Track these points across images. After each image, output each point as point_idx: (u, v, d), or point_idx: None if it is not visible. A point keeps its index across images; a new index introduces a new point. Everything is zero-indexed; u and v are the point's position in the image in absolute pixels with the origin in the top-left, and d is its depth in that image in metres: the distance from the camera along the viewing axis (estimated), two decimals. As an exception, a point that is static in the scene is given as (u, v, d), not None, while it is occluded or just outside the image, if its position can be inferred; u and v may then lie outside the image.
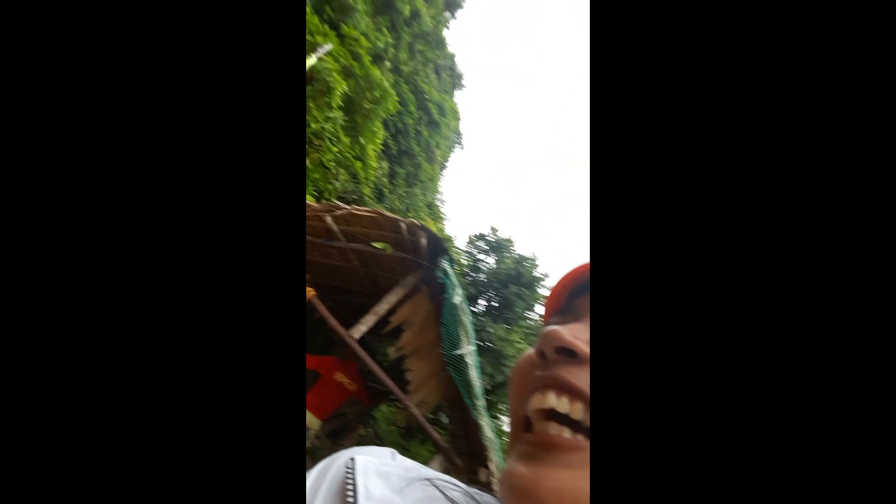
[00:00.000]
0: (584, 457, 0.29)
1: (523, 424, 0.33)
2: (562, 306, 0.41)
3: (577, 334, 0.33)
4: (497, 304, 7.59)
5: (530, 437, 0.32)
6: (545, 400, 0.32)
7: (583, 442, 0.30)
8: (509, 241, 8.25)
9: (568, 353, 0.33)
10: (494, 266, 7.96)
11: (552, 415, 0.32)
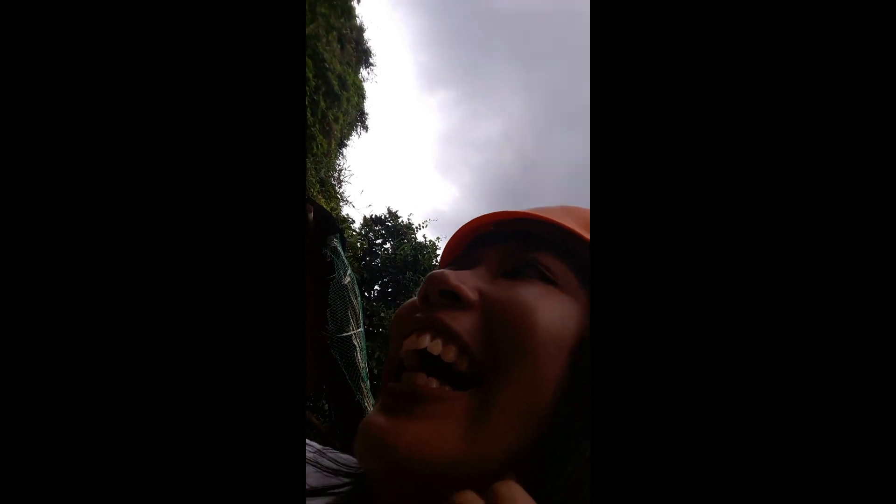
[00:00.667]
0: (451, 408, 0.28)
1: (394, 374, 0.32)
2: (459, 255, 0.40)
3: (465, 279, 0.32)
4: (392, 290, 7.55)
5: (394, 387, 0.30)
6: (419, 341, 0.31)
7: (450, 392, 0.29)
8: (409, 227, 8.23)
9: (452, 297, 0.31)
10: (391, 252, 7.88)
11: (423, 361, 0.31)
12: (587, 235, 0.35)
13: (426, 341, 0.31)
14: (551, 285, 0.34)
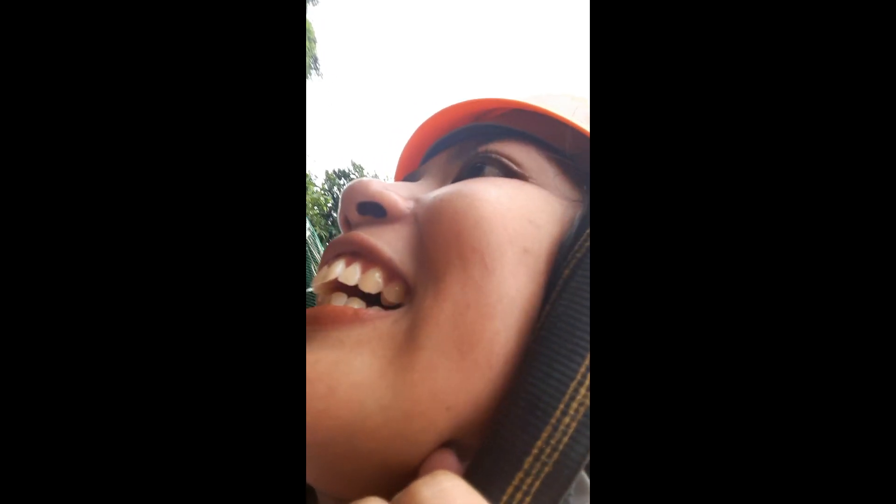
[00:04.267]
0: (369, 333, 0.20)
1: None
2: (413, 171, 0.30)
3: (396, 188, 0.24)
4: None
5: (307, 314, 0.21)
6: (329, 272, 0.23)
7: (375, 312, 0.20)
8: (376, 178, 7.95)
9: (374, 211, 0.24)
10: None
11: (339, 288, 0.23)
12: (574, 120, 0.25)
13: (337, 270, 0.22)
14: (519, 179, 0.24)
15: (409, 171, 0.34)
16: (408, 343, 0.19)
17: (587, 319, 0.19)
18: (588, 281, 0.19)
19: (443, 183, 0.26)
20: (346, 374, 0.18)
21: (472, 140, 0.27)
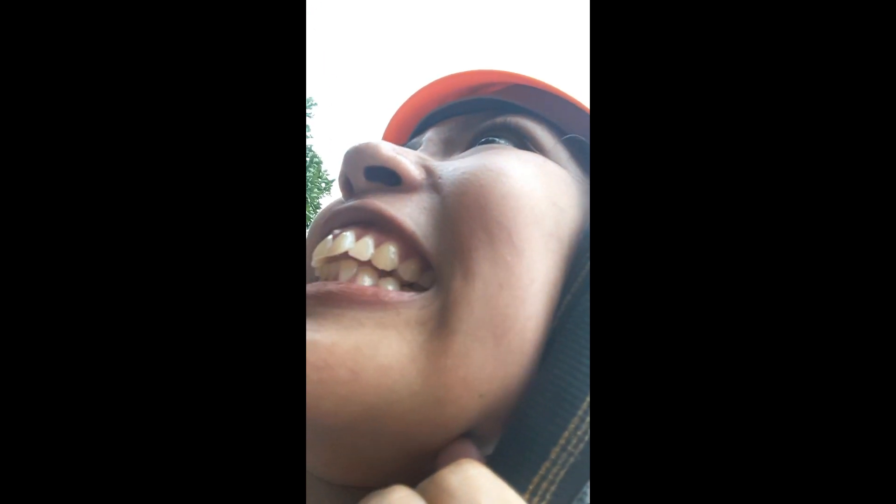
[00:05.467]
0: (394, 317, 0.18)
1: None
2: (405, 141, 0.29)
3: (406, 153, 0.22)
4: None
5: (312, 291, 0.19)
6: (336, 245, 0.20)
7: (392, 294, 0.18)
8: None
9: (386, 177, 0.21)
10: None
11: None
12: (584, 104, 0.25)
13: (346, 243, 0.20)
14: (536, 153, 0.23)
15: (398, 143, 0.31)
16: (439, 327, 0.18)
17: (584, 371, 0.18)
18: (585, 328, 0.18)
19: (449, 154, 0.25)
20: (372, 357, 0.17)
21: (477, 114, 0.26)
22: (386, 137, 0.32)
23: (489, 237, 0.19)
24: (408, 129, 0.31)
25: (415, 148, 0.26)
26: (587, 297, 0.19)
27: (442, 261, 0.19)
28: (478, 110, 0.26)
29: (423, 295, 0.19)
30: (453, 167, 0.21)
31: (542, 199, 0.20)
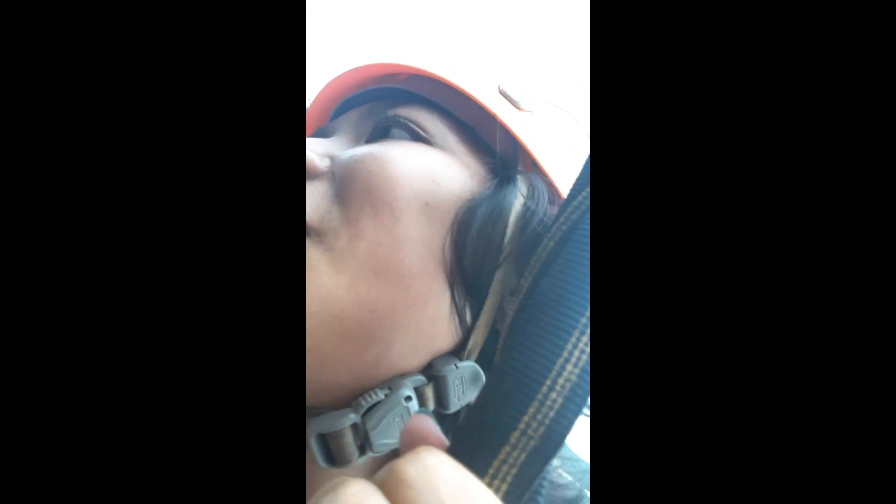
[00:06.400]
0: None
1: None
2: (322, 126, 0.33)
3: (315, 146, 0.27)
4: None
5: None
6: None
7: None
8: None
9: None
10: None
11: None
12: (468, 89, 0.28)
13: None
14: (424, 143, 0.27)
15: (319, 125, 0.36)
16: (331, 271, 0.23)
17: (574, 296, 0.19)
18: (577, 258, 0.19)
19: (356, 141, 0.29)
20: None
21: (381, 102, 0.30)
22: (310, 117, 0.37)
23: (374, 210, 0.24)
24: (328, 110, 0.36)
25: (331, 130, 0.31)
26: (546, 281, 0.20)
27: (331, 228, 0.24)
28: (385, 98, 0.30)
29: (323, 247, 0.24)
30: (346, 156, 0.26)
31: (419, 178, 0.25)
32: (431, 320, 0.25)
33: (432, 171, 0.26)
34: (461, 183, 0.26)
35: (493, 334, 0.27)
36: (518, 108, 0.29)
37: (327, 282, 0.23)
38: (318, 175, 0.26)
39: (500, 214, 0.25)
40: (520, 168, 0.28)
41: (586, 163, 0.22)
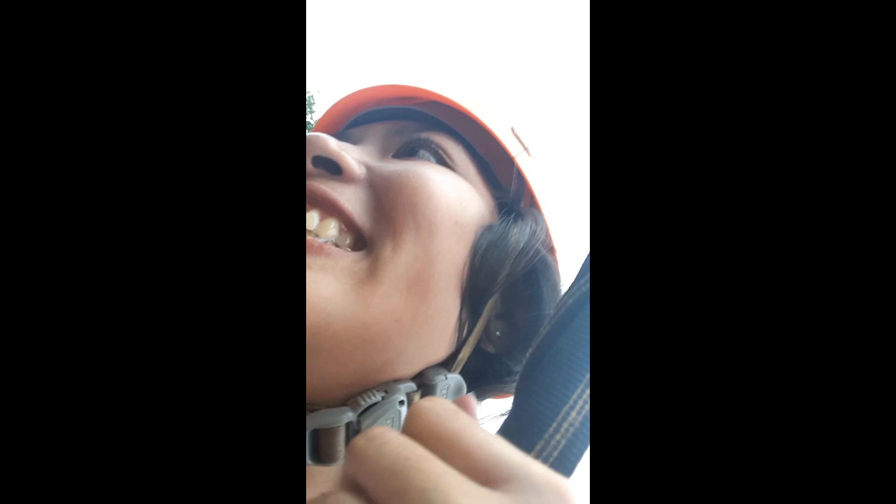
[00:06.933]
0: (335, 263, 0.25)
1: None
2: (337, 132, 0.34)
3: (351, 151, 0.28)
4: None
5: None
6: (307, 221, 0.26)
7: (334, 249, 0.26)
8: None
9: (329, 167, 0.28)
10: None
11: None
12: (492, 127, 0.31)
13: (312, 222, 0.27)
14: (449, 169, 0.30)
15: (333, 130, 0.37)
16: (369, 279, 0.25)
17: (584, 354, 0.21)
18: (588, 321, 0.22)
19: (383, 153, 0.31)
20: (315, 290, 0.23)
21: (411, 123, 0.32)
22: (322, 122, 0.38)
23: (416, 225, 0.26)
24: (342, 120, 0.38)
25: (350, 137, 0.32)
26: (564, 338, 0.22)
27: (374, 235, 0.27)
28: (411, 118, 0.33)
29: (354, 253, 0.26)
30: (389, 170, 0.28)
31: (453, 199, 0.28)
32: (440, 333, 0.28)
33: (461, 193, 0.29)
34: (480, 209, 0.29)
35: (476, 351, 0.30)
36: (527, 152, 0.33)
37: (366, 289, 0.25)
38: (354, 180, 0.28)
39: (505, 245, 0.28)
40: (523, 206, 0.32)
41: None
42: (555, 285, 0.31)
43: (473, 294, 0.28)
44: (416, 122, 0.32)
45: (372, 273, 0.25)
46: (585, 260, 0.26)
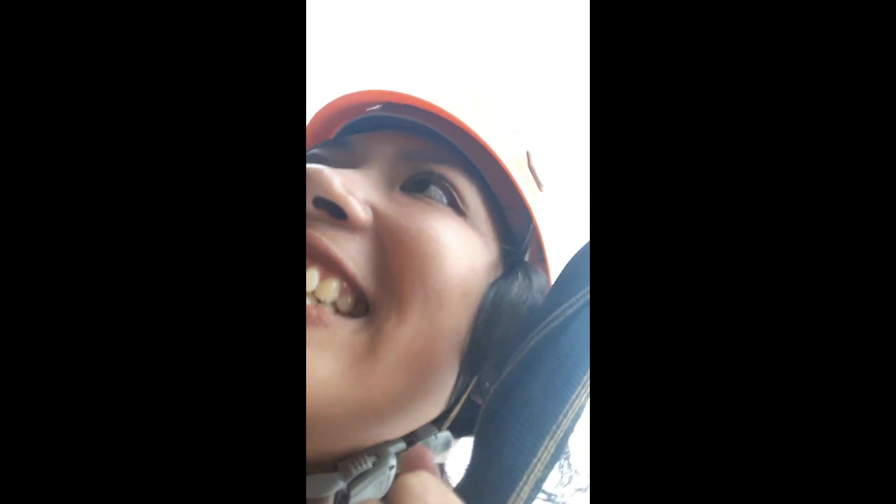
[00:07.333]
0: (332, 335, 0.22)
1: None
2: (330, 139, 0.32)
3: (353, 187, 0.25)
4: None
5: None
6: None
7: (333, 318, 0.23)
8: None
9: (332, 210, 0.24)
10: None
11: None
12: (508, 165, 0.28)
13: (313, 282, 0.24)
14: (461, 216, 0.27)
15: (324, 138, 0.34)
16: (369, 354, 0.23)
17: (556, 401, 0.21)
18: (556, 361, 0.21)
19: (389, 183, 0.27)
20: (313, 372, 0.21)
21: (422, 142, 0.28)
22: (313, 126, 0.34)
23: (424, 296, 0.24)
24: (334, 124, 0.34)
25: (352, 147, 0.29)
26: (534, 388, 0.21)
27: (379, 301, 0.24)
28: (417, 132, 0.29)
29: (355, 320, 0.23)
30: (398, 223, 0.25)
31: (464, 267, 0.25)
32: (437, 398, 0.26)
33: (472, 257, 0.26)
34: (488, 269, 0.27)
35: (467, 403, 0.27)
36: (539, 187, 0.30)
37: (366, 367, 0.23)
38: (359, 229, 0.25)
39: (505, 301, 0.26)
40: (526, 259, 0.29)
41: (573, 267, 0.24)
42: None
43: (474, 357, 0.26)
44: (428, 142, 0.28)
45: (372, 348, 0.23)
46: (551, 293, 0.24)
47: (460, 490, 0.20)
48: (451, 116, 0.28)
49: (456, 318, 0.25)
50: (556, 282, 0.25)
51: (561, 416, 0.20)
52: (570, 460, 0.27)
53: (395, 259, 0.24)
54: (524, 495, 0.19)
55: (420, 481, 0.16)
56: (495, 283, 0.26)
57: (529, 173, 0.30)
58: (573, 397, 0.20)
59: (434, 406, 0.27)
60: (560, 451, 0.20)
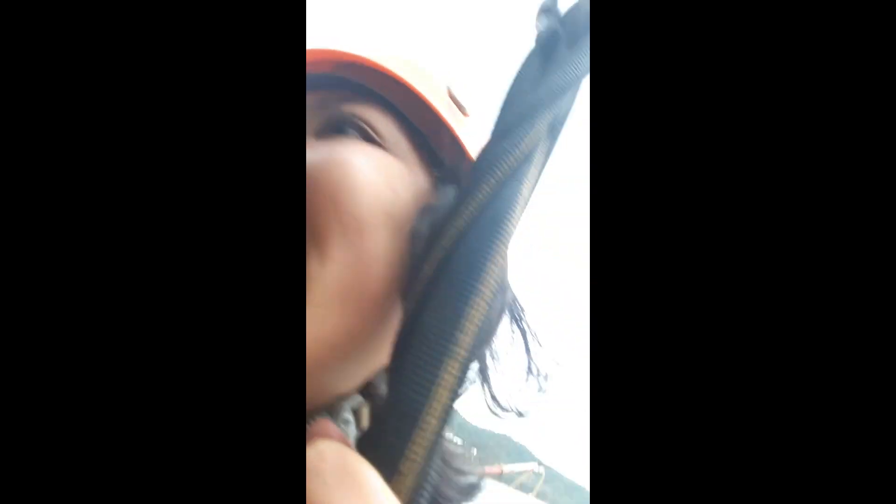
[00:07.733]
0: None
1: None
2: None
3: None
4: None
5: None
6: None
7: None
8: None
9: None
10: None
11: None
12: (425, 94, 0.28)
13: None
14: (377, 147, 0.27)
15: None
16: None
17: (462, 305, 0.18)
18: (466, 267, 0.19)
19: (307, 134, 0.27)
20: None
21: (336, 91, 0.28)
22: None
23: (342, 227, 0.23)
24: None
25: None
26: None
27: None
28: (339, 89, 0.29)
29: None
30: (309, 163, 0.24)
31: (381, 186, 0.25)
32: (383, 338, 0.24)
33: (390, 178, 0.25)
34: (416, 189, 0.26)
35: None
36: (464, 113, 0.31)
37: None
38: None
39: (450, 225, 0.23)
40: (462, 173, 0.28)
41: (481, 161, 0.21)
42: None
43: (415, 286, 0.23)
44: (343, 90, 0.28)
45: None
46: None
47: (364, 438, 0.18)
48: (360, 58, 0.28)
49: (383, 245, 0.24)
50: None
51: (459, 334, 0.18)
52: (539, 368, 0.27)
53: (310, 196, 0.23)
54: (431, 424, 0.17)
55: (317, 452, 0.15)
56: (427, 208, 0.25)
57: (452, 103, 0.31)
58: (468, 310, 0.18)
59: (383, 347, 0.25)
60: (465, 369, 0.18)
